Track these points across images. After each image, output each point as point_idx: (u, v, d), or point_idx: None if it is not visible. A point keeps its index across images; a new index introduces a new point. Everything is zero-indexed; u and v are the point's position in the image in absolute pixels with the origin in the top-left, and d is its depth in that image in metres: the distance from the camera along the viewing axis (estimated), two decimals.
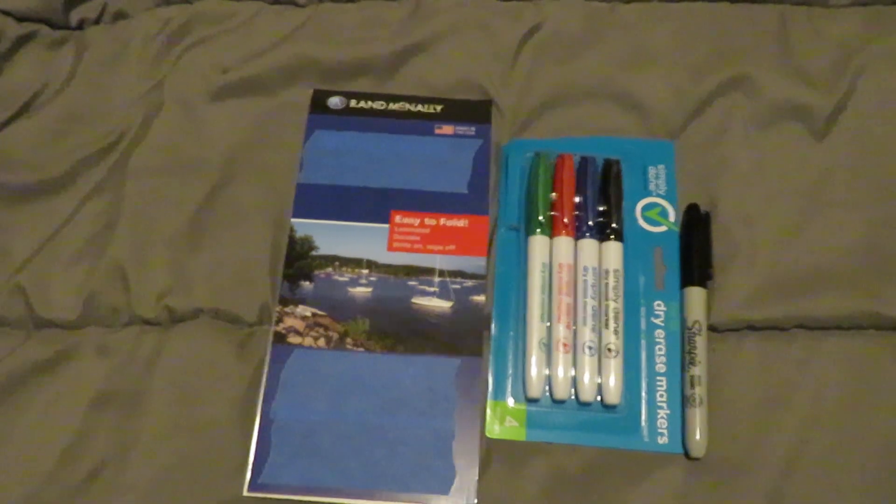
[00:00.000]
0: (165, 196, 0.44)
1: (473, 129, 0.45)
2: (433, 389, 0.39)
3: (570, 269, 0.41)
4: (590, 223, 0.42)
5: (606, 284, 0.41)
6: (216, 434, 0.39)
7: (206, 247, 0.43)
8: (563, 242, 0.41)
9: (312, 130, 0.46)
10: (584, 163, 0.44)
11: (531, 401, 0.39)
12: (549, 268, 0.41)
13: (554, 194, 0.43)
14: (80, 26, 0.50)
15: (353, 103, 0.46)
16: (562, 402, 0.39)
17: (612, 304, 0.40)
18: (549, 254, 0.41)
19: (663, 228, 0.43)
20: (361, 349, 0.40)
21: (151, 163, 0.45)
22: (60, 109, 0.47)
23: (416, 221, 0.43)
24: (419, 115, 0.46)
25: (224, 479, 0.38)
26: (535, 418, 0.39)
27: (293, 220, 0.43)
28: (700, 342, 0.39)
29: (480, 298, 0.41)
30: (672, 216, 0.43)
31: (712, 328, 0.40)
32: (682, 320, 0.40)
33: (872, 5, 0.48)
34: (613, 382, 0.39)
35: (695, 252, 0.41)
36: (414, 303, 0.41)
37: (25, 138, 0.46)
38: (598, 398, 0.39)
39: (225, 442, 0.39)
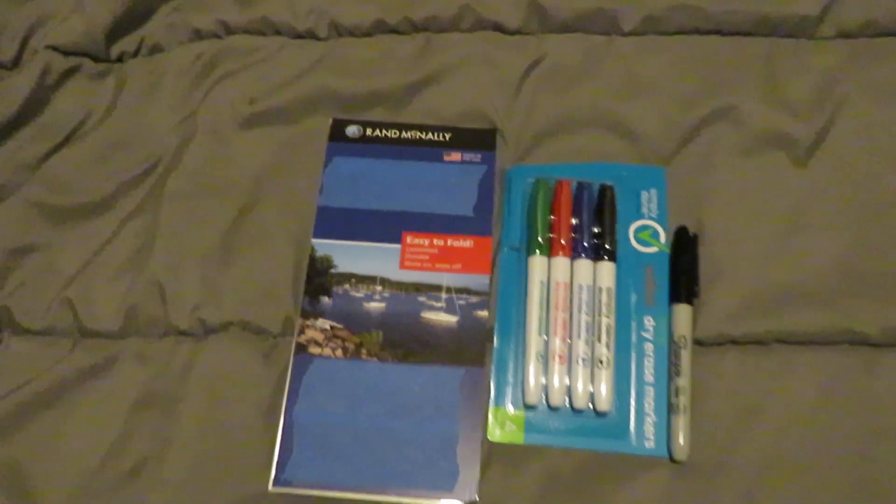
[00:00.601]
0: (198, 217, 0.47)
1: (479, 156, 0.48)
2: (439, 396, 0.42)
3: (566, 287, 0.44)
4: (585, 244, 0.45)
5: (600, 301, 0.44)
6: (244, 435, 0.42)
7: (235, 264, 0.46)
8: (561, 262, 0.44)
9: (332, 157, 0.49)
10: (581, 188, 0.46)
11: (529, 407, 0.42)
12: (548, 286, 0.44)
13: (552, 217, 0.46)
14: (120, 59, 0.53)
15: (368, 132, 0.49)
16: (557, 408, 0.42)
17: (604, 320, 0.43)
18: (547, 273, 0.44)
19: (654, 249, 0.46)
20: (375, 359, 0.43)
21: (185, 186, 0.48)
22: (103, 137, 0.50)
23: (426, 242, 0.46)
24: (429, 142, 0.49)
25: (251, 475, 0.41)
26: (533, 423, 0.42)
27: (314, 240, 0.46)
28: (685, 355, 0.42)
29: (484, 313, 0.44)
30: (663, 238, 0.46)
31: (697, 342, 0.43)
32: (670, 334, 0.43)
33: (856, 38, 0.49)
34: (605, 391, 0.42)
35: (683, 271, 0.44)
36: (423, 317, 0.44)
37: (71, 164, 0.49)
38: (591, 406, 0.42)
39: (252, 442, 0.41)
